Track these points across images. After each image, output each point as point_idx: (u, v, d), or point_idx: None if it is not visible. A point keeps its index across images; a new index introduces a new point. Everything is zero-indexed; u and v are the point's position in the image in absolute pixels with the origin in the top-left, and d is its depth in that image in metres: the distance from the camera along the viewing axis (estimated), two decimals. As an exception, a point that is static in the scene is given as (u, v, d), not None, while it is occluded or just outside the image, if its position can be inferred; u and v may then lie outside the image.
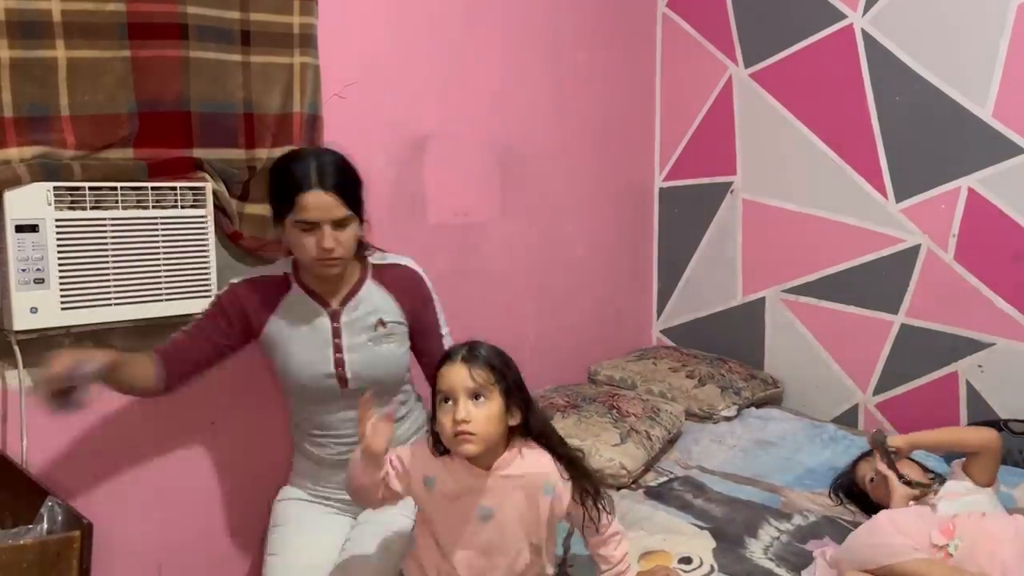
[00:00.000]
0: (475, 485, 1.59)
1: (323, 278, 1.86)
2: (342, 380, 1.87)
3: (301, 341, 1.87)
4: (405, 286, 1.95)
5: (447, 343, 1.95)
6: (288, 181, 1.75)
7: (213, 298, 1.91)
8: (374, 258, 1.96)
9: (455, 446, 1.54)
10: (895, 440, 2.03)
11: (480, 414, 1.52)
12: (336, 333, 1.87)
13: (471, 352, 1.56)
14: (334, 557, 1.85)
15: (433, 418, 1.60)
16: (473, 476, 1.59)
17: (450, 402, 1.53)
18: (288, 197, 1.74)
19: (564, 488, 1.63)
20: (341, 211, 1.75)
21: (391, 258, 1.99)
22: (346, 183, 1.78)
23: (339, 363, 1.86)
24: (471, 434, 1.51)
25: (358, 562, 1.81)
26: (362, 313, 1.89)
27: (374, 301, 1.91)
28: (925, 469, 2.11)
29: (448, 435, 1.53)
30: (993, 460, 1.96)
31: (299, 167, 1.76)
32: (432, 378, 1.61)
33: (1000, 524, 1.75)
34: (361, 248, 1.91)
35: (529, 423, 1.61)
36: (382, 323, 1.90)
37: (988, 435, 1.99)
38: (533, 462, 1.62)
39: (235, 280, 1.91)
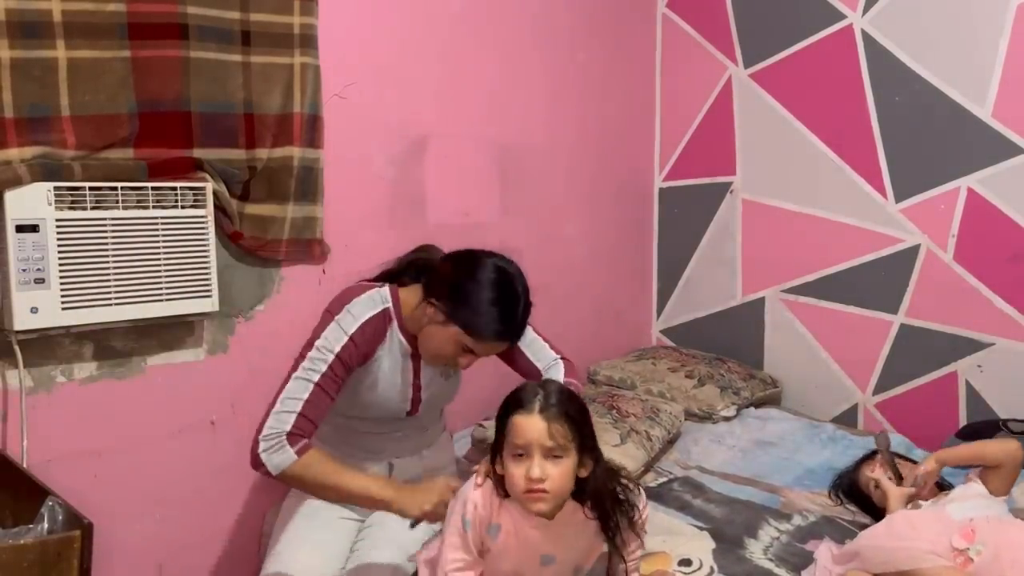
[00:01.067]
0: (538, 535, 1.53)
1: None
2: (413, 410, 1.91)
3: (391, 378, 1.85)
4: None
5: (534, 351, 1.95)
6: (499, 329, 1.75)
7: (326, 351, 1.72)
8: None
9: (525, 503, 1.47)
10: (928, 465, 1.97)
11: (555, 472, 1.43)
12: (416, 373, 1.88)
13: (547, 402, 1.45)
14: (338, 563, 1.84)
15: (493, 458, 1.52)
16: (537, 526, 1.52)
17: (523, 455, 1.44)
18: (483, 337, 1.73)
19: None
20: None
21: None
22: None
23: (415, 400, 1.90)
24: (545, 492, 1.44)
25: (370, 567, 1.79)
26: None
27: None
28: None
29: (519, 491, 1.45)
30: (1015, 472, 1.92)
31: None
32: (501, 420, 1.51)
33: (1022, 531, 1.72)
34: None
35: (594, 477, 1.51)
36: None
37: (1012, 448, 1.93)
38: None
39: (349, 326, 1.75)
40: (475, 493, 1.53)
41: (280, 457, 1.65)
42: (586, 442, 1.48)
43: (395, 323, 1.83)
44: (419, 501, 1.63)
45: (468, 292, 1.72)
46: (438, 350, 1.78)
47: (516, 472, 1.44)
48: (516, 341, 1.83)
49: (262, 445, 1.65)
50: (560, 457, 1.44)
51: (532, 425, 1.43)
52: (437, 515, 1.62)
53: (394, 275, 1.92)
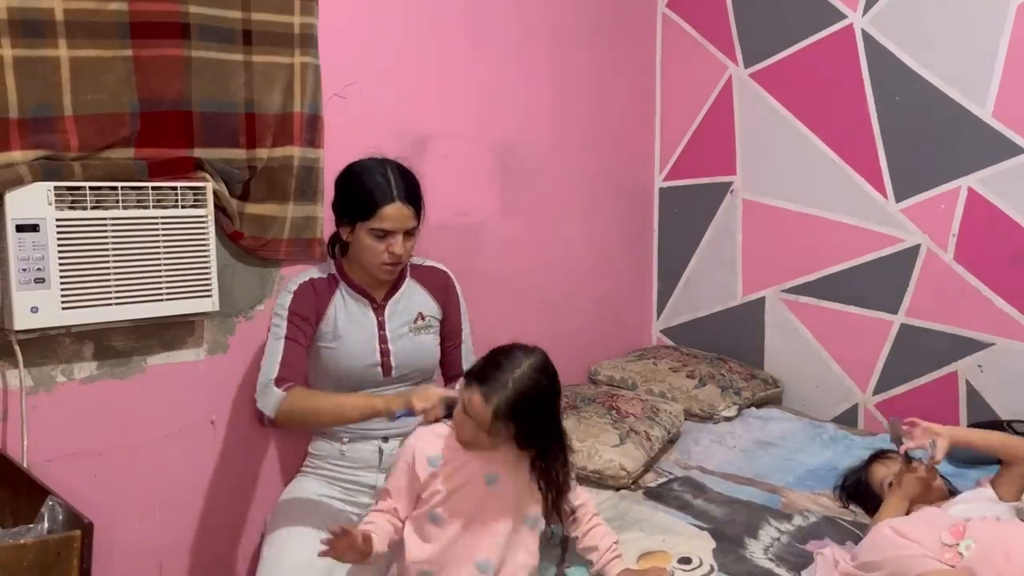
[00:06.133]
0: (482, 452, 1.64)
1: (376, 278, 1.99)
2: (386, 368, 2.00)
3: (351, 333, 1.99)
4: (440, 285, 2.11)
5: (465, 351, 2.12)
6: (367, 192, 1.89)
7: (281, 311, 1.95)
8: (413, 259, 2.09)
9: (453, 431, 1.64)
10: (941, 429, 1.91)
11: (484, 442, 1.60)
12: (381, 325, 2.01)
13: (503, 401, 1.55)
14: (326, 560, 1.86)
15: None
16: (475, 455, 1.65)
17: (463, 412, 1.60)
18: (368, 208, 1.88)
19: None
20: (413, 222, 1.93)
21: (429, 261, 2.15)
22: (417, 194, 1.94)
23: (384, 352, 2.00)
24: (466, 443, 1.62)
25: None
26: (404, 306, 2.04)
27: (414, 296, 2.07)
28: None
29: (454, 424, 1.63)
30: None
31: (375, 180, 1.90)
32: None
33: (1017, 528, 1.70)
34: None
35: (537, 451, 1.65)
36: (421, 316, 2.05)
37: None
38: None
39: (291, 286, 1.98)
40: (420, 432, 1.69)
41: (270, 398, 1.86)
42: (521, 439, 1.60)
43: (342, 283, 2.01)
44: (406, 397, 1.72)
45: (348, 191, 1.94)
46: (369, 256, 1.93)
47: (458, 416, 1.60)
48: (411, 202, 1.91)
49: (257, 399, 1.90)
50: (492, 438, 1.59)
51: (481, 410, 1.56)
52: (424, 411, 1.69)
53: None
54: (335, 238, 2.03)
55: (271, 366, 1.90)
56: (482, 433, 1.59)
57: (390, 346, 2.00)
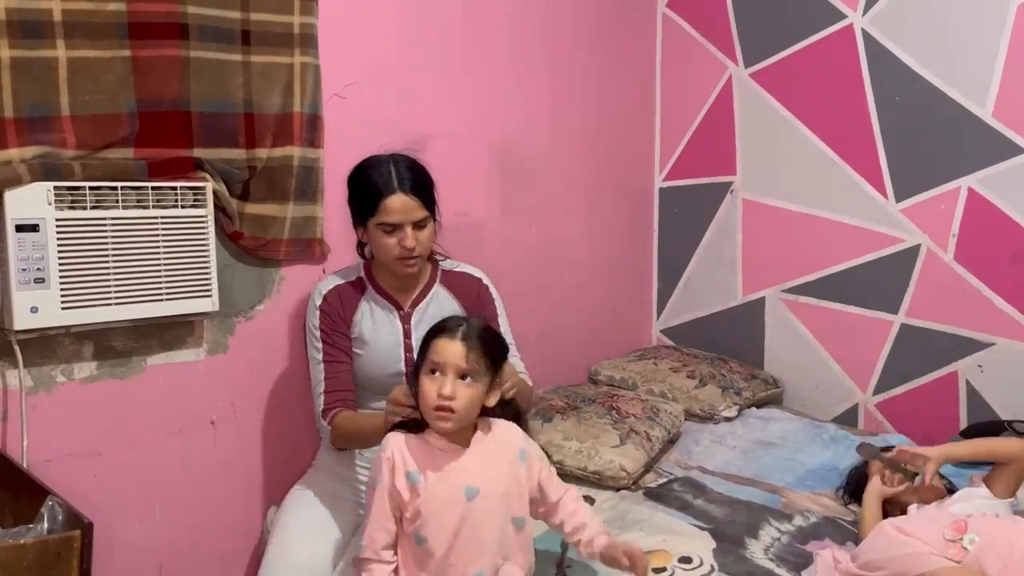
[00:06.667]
0: (457, 464, 1.59)
1: (399, 278, 1.98)
2: (410, 378, 1.91)
3: (376, 339, 1.97)
4: (472, 294, 2.06)
5: (512, 354, 1.99)
6: (370, 186, 1.89)
7: (313, 330, 1.96)
8: (445, 264, 2.06)
9: (432, 420, 1.55)
10: (929, 451, 1.95)
11: (465, 394, 1.54)
12: (407, 334, 1.98)
13: (469, 331, 1.56)
14: (338, 549, 1.87)
15: (410, 383, 1.64)
16: (454, 455, 1.59)
17: (437, 373, 1.54)
18: (372, 202, 1.87)
19: (536, 457, 1.67)
20: (421, 212, 1.89)
21: (462, 267, 2.10)
22: (423, 185, 1.92)
23: (408, 362, 1.96)
24: (452, 411, 1.53)
25: None
26: (430, 315, 1.97)
27: (441, 304, 2.02)
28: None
29: (429, 406, 1.54)
30: (1021, 471, 1.93)
31: (379, 172, 1.89)
32: (425, 345, 1.61)
33: (1018, 524, 1.72)
34: (431, 252, 2.01)
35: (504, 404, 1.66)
36: None
37: (1021, 446, 1.95)
38: (504, 435, 1.65)
39: (316, 300, 1.98)
40: (390, 443, 1.60)
41: (323, 434, 1.94)
42: (498, 376, 1.61)
43: (369, 287, 2.00)
44: (387, 408, 1.69)
45: (355, 188, 1.94)
46: (384, 253, 1.91)
47: (429, 388, 1.54)
48: (417, 192, 1.88)
49: (319, 431, 1.97)
50: (472, 381, 1.55)
51: (452, 348, 1.54)
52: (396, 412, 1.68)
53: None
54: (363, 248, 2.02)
55: (316, 397, 1.93)
56: (460, 384, 1.52)
57: (415, 355, 1.93)
